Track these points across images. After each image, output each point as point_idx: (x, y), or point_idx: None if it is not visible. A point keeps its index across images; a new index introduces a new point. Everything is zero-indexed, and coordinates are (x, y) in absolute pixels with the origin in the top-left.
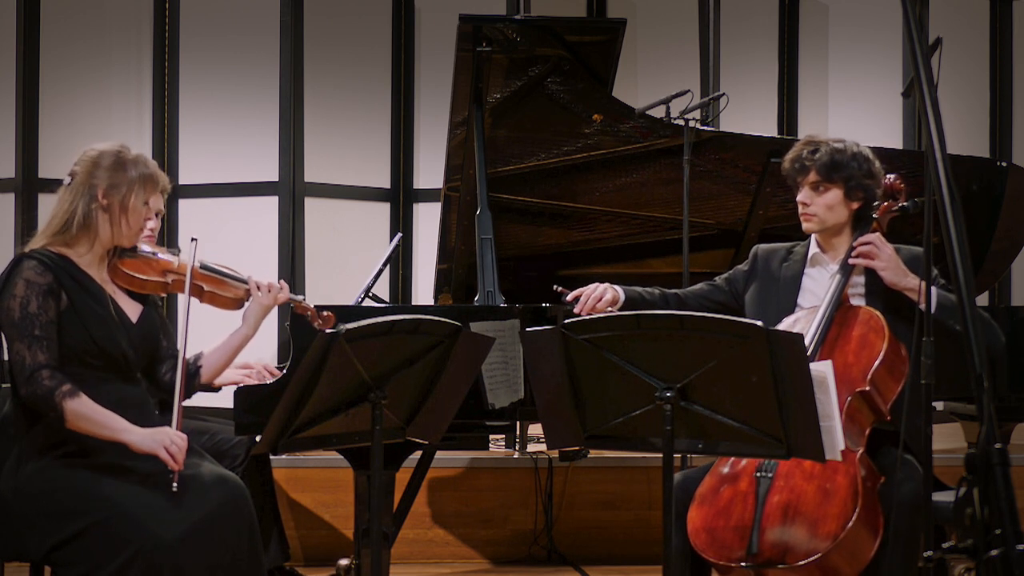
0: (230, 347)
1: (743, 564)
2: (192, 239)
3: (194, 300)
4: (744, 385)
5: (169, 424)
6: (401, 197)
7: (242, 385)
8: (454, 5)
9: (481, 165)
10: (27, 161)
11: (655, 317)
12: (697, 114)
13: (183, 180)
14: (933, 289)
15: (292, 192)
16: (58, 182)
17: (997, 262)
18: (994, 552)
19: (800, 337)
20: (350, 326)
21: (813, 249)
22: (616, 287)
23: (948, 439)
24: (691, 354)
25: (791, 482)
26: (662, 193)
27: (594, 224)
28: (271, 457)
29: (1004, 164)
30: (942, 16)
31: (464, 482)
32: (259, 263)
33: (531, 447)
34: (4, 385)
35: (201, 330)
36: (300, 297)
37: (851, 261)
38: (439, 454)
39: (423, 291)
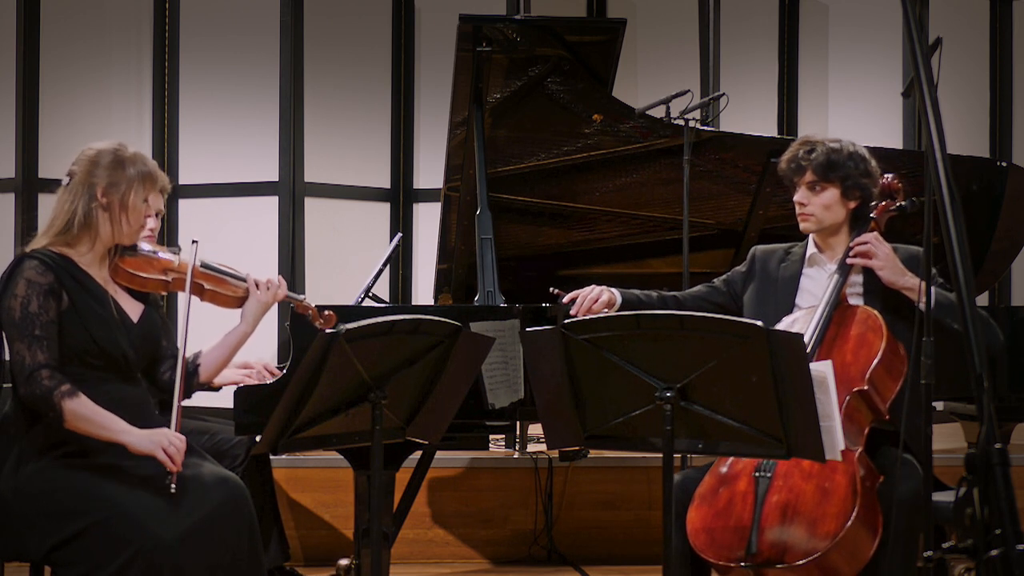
0: (229, 345)
1: (742, 564)
2: (193, 241)
3: (195, 299)
4: (744, 385)
5: (169, 424)
6: (401, 197)
7: (242, 385)
8: (454, 5)
9: (481, 165)
10: (27, 161)
11: (655, 317)
12: (697, 114)
13: (183, 180)
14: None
15: (292, 192)
16: (58, 182)
17: (997, 262)
18: (994, 552)
19: (800, 337)
20: (350, 326)
21: (811, 249)
22: (612, 289)
23: (948, 439)
24: (691, 354)
25: (790, 482)
26: (662, 193)
27: (594, 224)
28: (271, 457)
29: (1004, 164)
30: (942, 16)
31: (464, 482)
32: (259, 263)
33: (531, 447)
34: (5, 385)
35: (201, 329)
36: (301, 296)
37: (849, 261)
38: (439, 454)
39: (423, 291)
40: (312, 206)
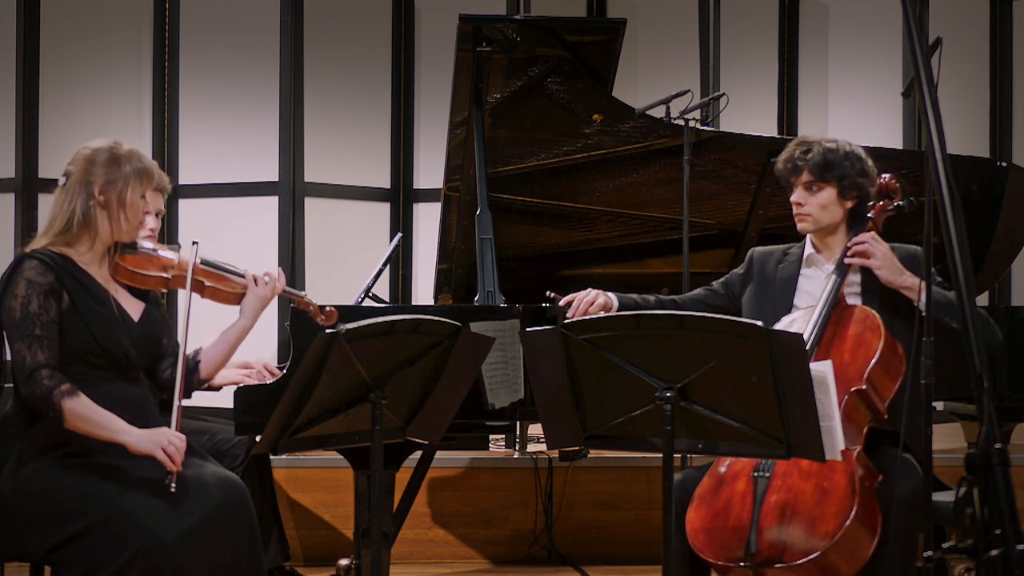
0: (228, 340)
1: (742, 564)
2: (193, 242)
3: (195, 296)
4: (744, 385)
5: (169, 424)
6: (401, 197)
7: (242, 385)
8: (454, 5)
9: (481, 165)
10: (27, 161)
11: (655, 317)
12: (697, 114)
13: (183, 180)
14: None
15: (292, 192)
16: (58, 182)
17: (997, 262)
18: (994, 552)
19: (800, 337)
20: (350, 326)
21: (808, 250)
22: (609, 293)
23: (948, 439)
24: (691, 354)
25: (789, 481)
26: (662, 193)
27: (594, 224)
28: (271, 457)
29: (1004, 164)
30: (942, 16)
31: (464, 482)
32: (259, 263)
33: (531, 447)
34: (6, 385)
35: (202, 327)
36: (302, 293)
37: (847, 260)
38: (439, 454)
39: (423, 291)
40: (312, 206)
